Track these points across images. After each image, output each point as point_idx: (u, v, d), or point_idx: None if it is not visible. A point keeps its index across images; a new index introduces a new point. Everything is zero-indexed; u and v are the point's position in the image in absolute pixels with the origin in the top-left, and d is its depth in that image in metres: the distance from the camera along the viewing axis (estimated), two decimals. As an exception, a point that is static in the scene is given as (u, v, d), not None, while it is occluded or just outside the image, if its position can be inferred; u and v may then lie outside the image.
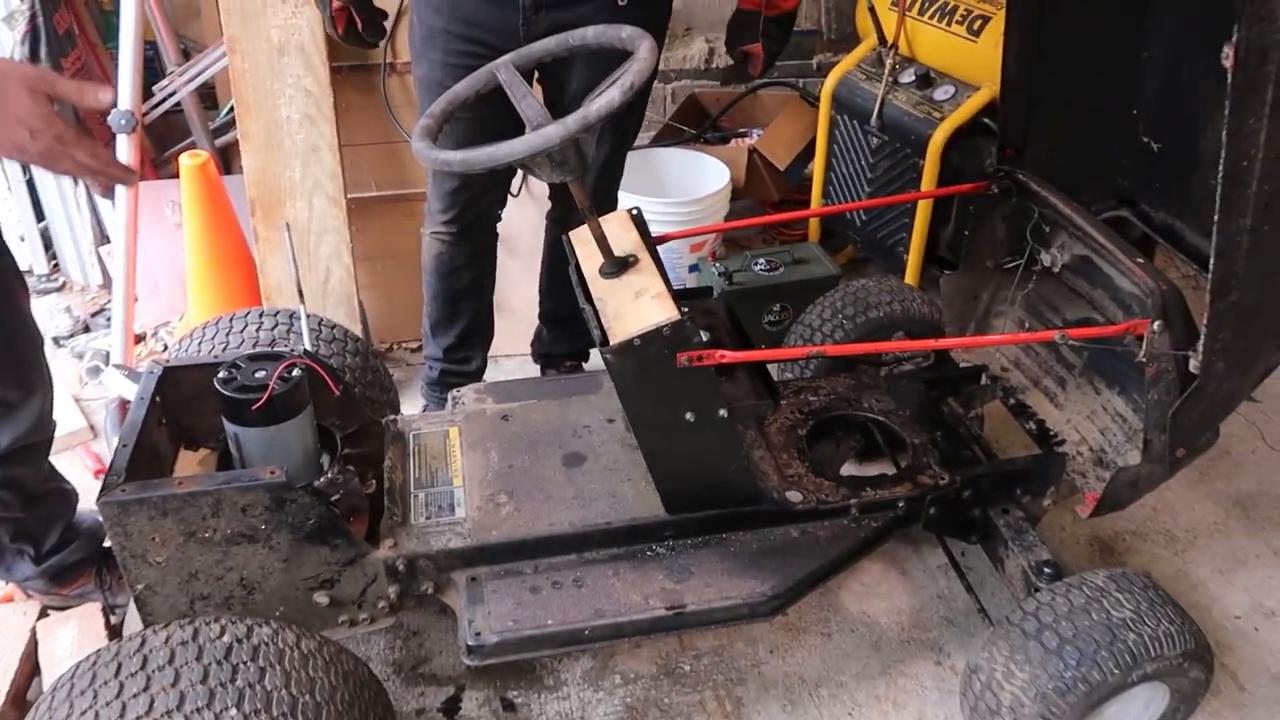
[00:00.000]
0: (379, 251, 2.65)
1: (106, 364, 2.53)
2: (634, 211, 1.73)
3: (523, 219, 2.57)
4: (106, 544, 1.91)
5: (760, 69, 2.14)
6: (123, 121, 2.36)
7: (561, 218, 2.26)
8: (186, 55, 2.90)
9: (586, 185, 1.51)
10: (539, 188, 2.53)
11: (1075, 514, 1.75)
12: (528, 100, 1.47)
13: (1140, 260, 1.64)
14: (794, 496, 1.66)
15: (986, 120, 2.56)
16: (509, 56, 1.56)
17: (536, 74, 2.03)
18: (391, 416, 1.82)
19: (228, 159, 3.02)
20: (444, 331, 2.28)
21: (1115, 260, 1.71)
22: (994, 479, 1.77)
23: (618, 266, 1.57)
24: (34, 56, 2.37)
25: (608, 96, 1.33)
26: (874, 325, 2.16)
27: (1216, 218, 1.38)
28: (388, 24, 2.14)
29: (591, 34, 1.54)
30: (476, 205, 2.12)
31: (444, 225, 2.15)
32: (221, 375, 1.54)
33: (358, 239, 2.51)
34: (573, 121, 1.32)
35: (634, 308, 1.48)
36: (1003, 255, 2.02)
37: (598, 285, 1.57)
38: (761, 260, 2.74)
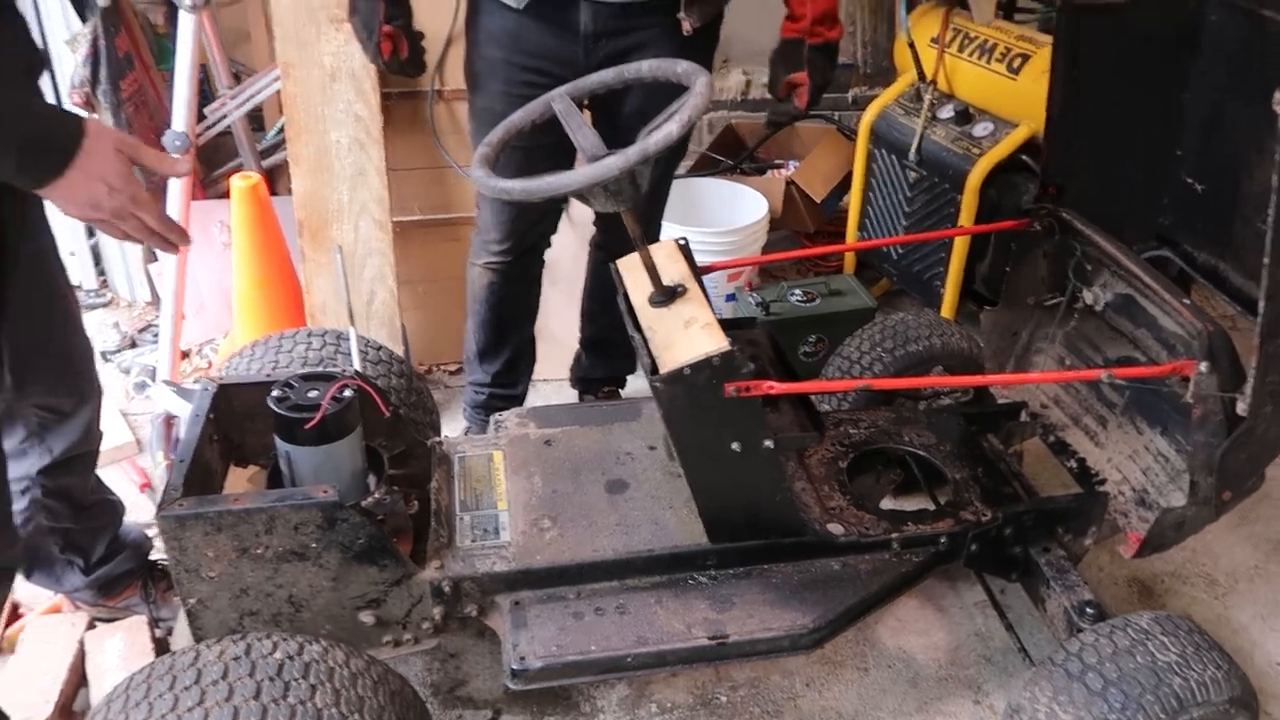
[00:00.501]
0: (421, 275, 2.69)
1: (153, 379, 2.58)
2: (681, 242, 1.75)
3: (562, 245, 2.59)
4: (151, 557, 1.95)
5: (806, 102, 2.10)
6: (177, 143, 2.42)
7: (606, 244, 2.29)
8: (237, 78, 2.96)
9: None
10: (580, 214, 2.56)
11: (1113, 553, 1.75)
12: (583, 131, 1.50)
13: (1186, 301, 1.64)
14: (835, 529, 1.66)
15: (1025, 157, 2.58)
16: (565, 88, 1.60)
17: (586, 99, 2.06)
18: (437, 438, 1.85)
19: (274, 179, 3.07)
20: (491, 358, 2.32)
21: (1159, 300, 1.71)
22: (1035, 517, 1.77)
23: (667, 296, 1.59)
24: (95, 78, 2.43)
25: (666, 130, 1.36)
26: (913, 359, 2.17)
27: (1266, 261, 1.39)
28: (432, 55, 2.18)
29: (647, 68, 1.57)
30: (530, 234, 2.16)
31: (497, 255, 2.19)
32: (275, 394, 1.57)
33: (401, 262, 2.55)
34: (633, 154, 1.35)
35: (683, 337, 1.50)
36: (1044, 292, 2.03)
37: (646, 314, 1.59)
38: (798, 291, 2.75)
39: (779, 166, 3.45)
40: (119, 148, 1.26)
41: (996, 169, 2.58)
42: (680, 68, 1.52)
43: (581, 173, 1.37)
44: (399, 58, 1.98)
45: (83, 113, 2.43)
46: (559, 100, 1.57)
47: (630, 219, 1.52)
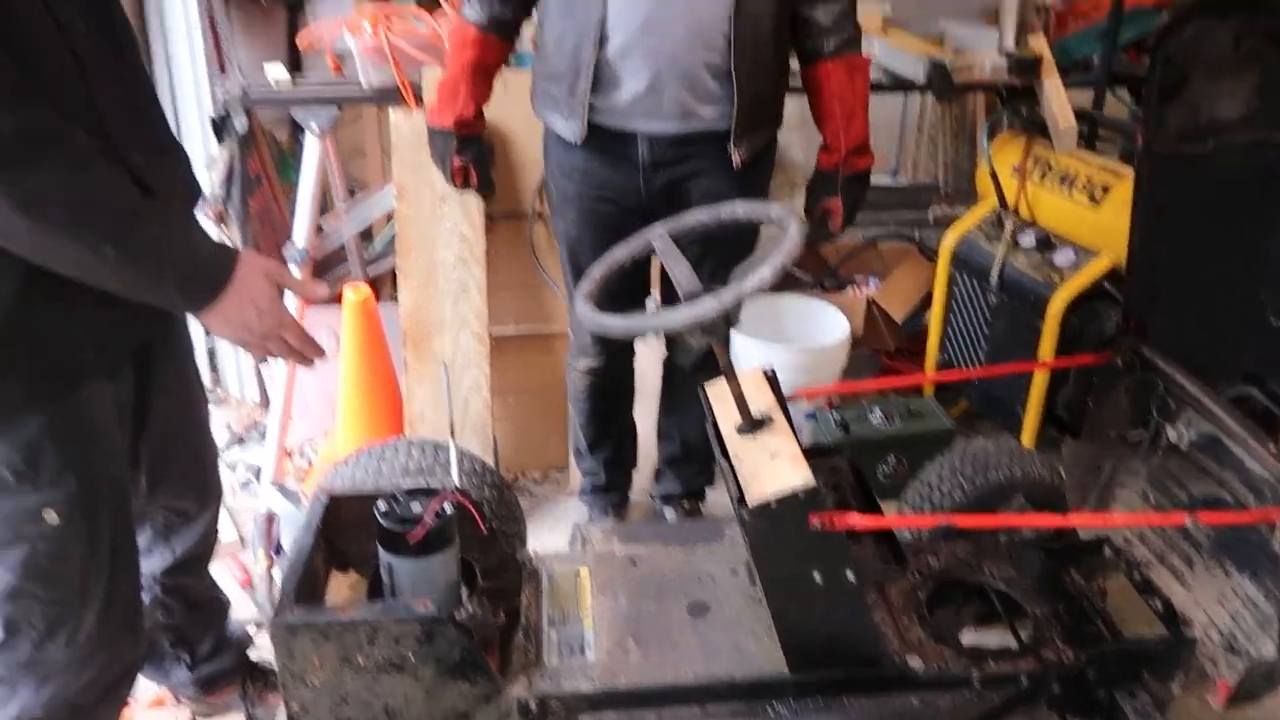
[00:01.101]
0: (512, 386, 2.81)
1: (258, 478, 2.73)
2: (769, 371, 1.83)
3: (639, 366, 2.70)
4: (251, 656, 2.04)
5: (840, 225, 2.22)
6: (297, 256, 2.61)
7: (681, 363, 2.40)
8: (351, 192, 3.19)
9: None
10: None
11: (1203, 699, 1.72)
12: (681, 268, 1.60)
13: (1272, 448, 1.65)
14: (915, 663, 1.68)
15: (1107, 285, 2.61)
16: (663, 225, 1.70)
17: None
18: (527, 552, 1.92)
19: (377, 286, 3.27)
20: (600, 448, 2.49)
21: (1244, 443, 1.72)
22: (1120, 658, 1.75)
23: (754, 426, 1.66)
24: (228, 195, 2.66)
25: (760, 275, 1.45)
26: (993, 488, 2.18)
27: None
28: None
29: (742, 210, 1.68)
30: (624, 339, 2.30)
31: (595, 360, 2.34)
32: (381, 507, 1.67)
33: (494, 373, 2.68)
34: (728, 298, 1.44)
35: (770, 469, 1.56)
36: (1127, 427, 2.04)
37: (734, 442, 1.66)
38: (877, 411, 2.79)
39: (859, 284, 3.52)
40: (267, 274, 1.38)
41: (1079, 297, 2.61)
42: (774, 211, 1.62)
43: (679, 314, 1.46)
44: (470, 184, 2.20)
45: (215, 227, 2.64)
46: (658, 239, 1.68)
47: (722, 352, 1.61)
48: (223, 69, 2.83)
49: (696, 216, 1.71)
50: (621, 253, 1.71)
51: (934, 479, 2.25)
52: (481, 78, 2.09)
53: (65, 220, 1.19)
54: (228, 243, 2.47)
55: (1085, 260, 2.66)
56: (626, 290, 2.16)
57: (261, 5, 3.12)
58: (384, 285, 3.34)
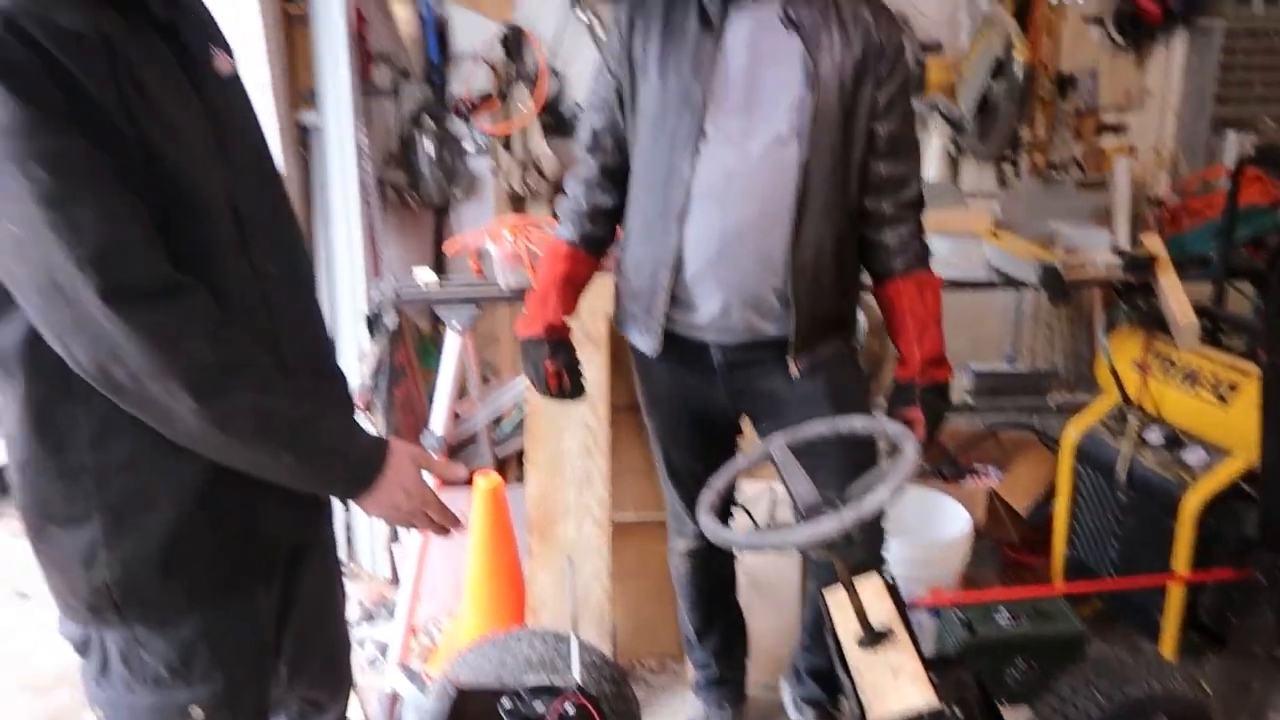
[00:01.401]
0: (629, 572, 2.86)
1: (383, 655, 2.82)
2: (890, 580, 1.84)
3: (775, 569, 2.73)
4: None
5: (924, 435, 2.19)
6: (433, 443, 2.78)
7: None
8: (485, 380, 3.39)
9: None
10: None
11: None
12: (801, 482, 1.66)
13: None
14: None
15: (1244, 485, 2.52)
16: (782, 435, 1.77)
17: (745, 414, 2.28)
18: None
19: (504, 468, 3.42)
20: (707, 637, 2.49)
21: None
22: None
23: (874, 639, 1.67)
24: (375, 386, 2.88)
25: (879, 496, 1.49)
26: (1131, 704, 2.08)
27: None
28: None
29: (860, 424, 1.74)
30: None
31: (694, 542, 2.38)
32: (506, 705, 1.73)
33: (613, 558, 2.74)
34: (848, 518, 1.48)
35: (893, 687, 1.56)
36: (1274, 645, 1.95)
37: (854, 654, 1.67)
38: (1003, 610, 2.71)
39: (979, 473, 3.49)
40: (413, 459, 1.48)
41: (1214, 497, 2.53)
42: (891, 429, 1.67)
43: (801, 532, 1.52)
44: (564, 388, 2.28)
45: (363, 415, 2.85)
46: (777, 450, 1.76)
47: (842, 568, 1.64)
48: (377, 272, 3.12)
49: (815, 429, 1.78)
50: (742, 462, 1.79)
51: (1067, 691, 2.16)
52: (570, 290, 2.24)
53: (251, 434, 1.32)
54: (376, 431, 2.67)
55: (1218, 460, 2.59)
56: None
57: (413, 210, 3.45)
58: (510, 466, 3.48)
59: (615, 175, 2.17)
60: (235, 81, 1.50)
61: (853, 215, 2.07)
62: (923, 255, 2.14)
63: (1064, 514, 3.02)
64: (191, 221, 1.33)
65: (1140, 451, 2.77)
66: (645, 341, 2.15)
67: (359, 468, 1.43)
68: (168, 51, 1.34)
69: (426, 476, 1.52)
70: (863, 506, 1.50)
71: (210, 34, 1.48)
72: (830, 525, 1.50)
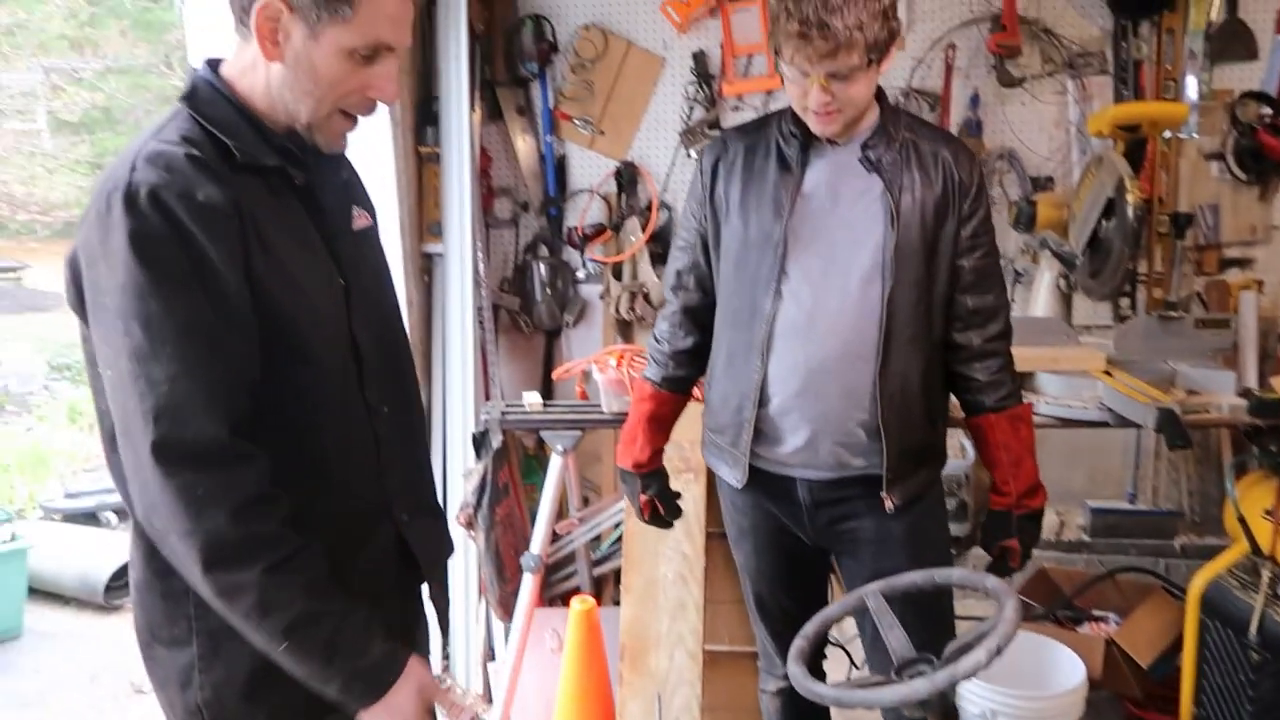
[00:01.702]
0: (723, 703, 2.81)
1: (474, 777, 2.82)
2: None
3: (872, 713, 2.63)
4: None
5: (1019, 562, 2.20)
6: (531, 563, 2.83)
7: None
8: (586, 501, 3.44)
9: None
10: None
11: None
12: (895, 633, 1.63)
13: None
14: None
15: (1395, 653, 2.33)
16: (878, 585, 1.75)
17: (834, 555, 2.26)
18: None
19: (600, 588, 3.43)
20: None
21: None
22: None
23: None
24: (478, 503, 2.96)
25: (975, 658, 1.45)
26: None
27: None
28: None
29: (957, 576, 1.71)
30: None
31: (785, 681, 2.31)
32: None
33: (705, 688, 2.70)
34: (941, 680, 1.45)
35: None
36: None
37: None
38: (1123, 775, 2.54)
39: (1098, 619, 3.30)
40: (422, 690, 1.43)
41: (1359, 665, 2.34)
42: (990, 583, 1.63)
43: (893, 691, 1.48)
44: (659, 515, 2.35)
45: (464, 532, 2.92)
46: (871, 598, 1.73)
47: (932, 722, 1.58)
48: (488, 395, 3.25)
49: (911, 579, 1.75)
50: (835, 611, 1.76)
51: None
52: (657, 428, 2.29)
53: (248, 614, 1.32)
54: (477, 547, 2.69)
55: (1363, 622, 2.40)
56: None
57: (525, 334, 3.59)
58: (607, 585, 3.49)
59: (697, 314, 2.23)
60: (369, 233, 1.62)
61: (939, 347, 2.08)
62: (1015, 390, 2.12)
63: (1190, 673, 2.82)
64: (302, 363, 1.41)
65: (1273, 607, 2.59)
66: (731, 474, 2.17)
67: (358, 684, 1.38)
68: (302, 210, 1.46)
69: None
70: (958, 668, 1.46)
71: (353, 194, 1.60)
72: (922, 686, 1.46)
